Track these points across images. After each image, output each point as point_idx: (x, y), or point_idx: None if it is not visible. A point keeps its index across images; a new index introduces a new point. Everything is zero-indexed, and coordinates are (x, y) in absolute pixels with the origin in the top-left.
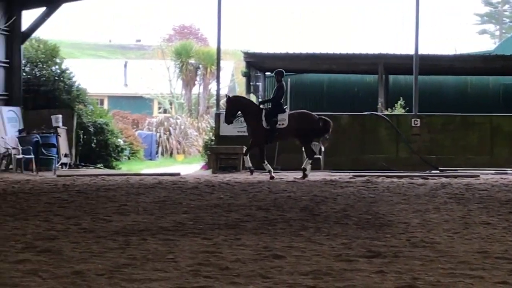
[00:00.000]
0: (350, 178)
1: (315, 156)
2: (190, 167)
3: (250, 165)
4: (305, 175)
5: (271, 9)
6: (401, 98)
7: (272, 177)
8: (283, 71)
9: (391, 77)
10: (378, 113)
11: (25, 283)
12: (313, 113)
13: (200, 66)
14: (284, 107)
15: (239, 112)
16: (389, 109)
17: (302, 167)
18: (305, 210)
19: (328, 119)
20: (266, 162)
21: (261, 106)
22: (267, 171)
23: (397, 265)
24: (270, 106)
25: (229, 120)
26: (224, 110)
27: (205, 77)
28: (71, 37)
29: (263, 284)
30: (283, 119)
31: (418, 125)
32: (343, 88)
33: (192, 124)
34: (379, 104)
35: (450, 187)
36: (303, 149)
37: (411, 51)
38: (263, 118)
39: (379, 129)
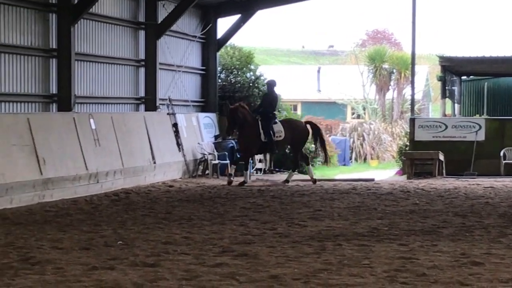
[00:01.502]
0: None
1: None
2: (384, 172)
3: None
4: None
5: (464, 12)
6: None
7: (242, 183)
8: (274, 81)
9: None
10: None
11: (223, 286)
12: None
13: (394, 71)
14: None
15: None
16: None
17: (286, 178)
18: (504, 216)
19: (316, 123)
20: (247, 172)
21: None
22: (245, 179)
23: None
24: (261, 118)
25: (231, 131)
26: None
27: (399, 82)
28: (264, 44)
29: None
30: (279, 131)
31: None
32: None
33: (386, 129)
34: None
35: None
36: (294, 157)
37: None
38: (261, 131)
39: None
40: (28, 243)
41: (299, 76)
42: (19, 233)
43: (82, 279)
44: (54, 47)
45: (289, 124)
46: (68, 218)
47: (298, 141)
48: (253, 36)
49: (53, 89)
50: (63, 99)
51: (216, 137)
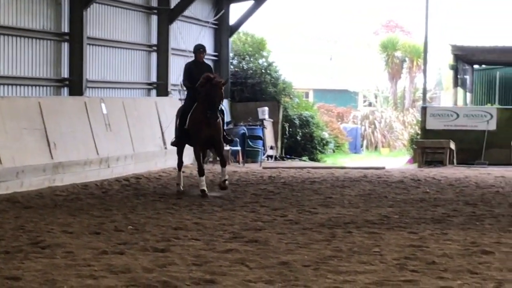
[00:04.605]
0: None
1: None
2: (395, 160)
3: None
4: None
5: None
6: None
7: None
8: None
9: None
10: None
11: (233, 272)
12: None
13: (406, 59)
14: None
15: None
16: None
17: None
18: None
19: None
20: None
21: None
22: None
23: None
24: None
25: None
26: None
27: (411, 71)
28: (277, 31)
29: (471, 280)
30: None
31: None
32: None
33: (397, 117)
34: None
35: None
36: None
37: None
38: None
39: None
40: (38, 226)
41: (311, 64)
42: (29, 216)
43: (92, 264)
44: (66, 31)
45: None
46: (78, 202)
47: None
48: (266, 23)
49: (65, 73)
50: (75, 83)
51: (227, 123)
